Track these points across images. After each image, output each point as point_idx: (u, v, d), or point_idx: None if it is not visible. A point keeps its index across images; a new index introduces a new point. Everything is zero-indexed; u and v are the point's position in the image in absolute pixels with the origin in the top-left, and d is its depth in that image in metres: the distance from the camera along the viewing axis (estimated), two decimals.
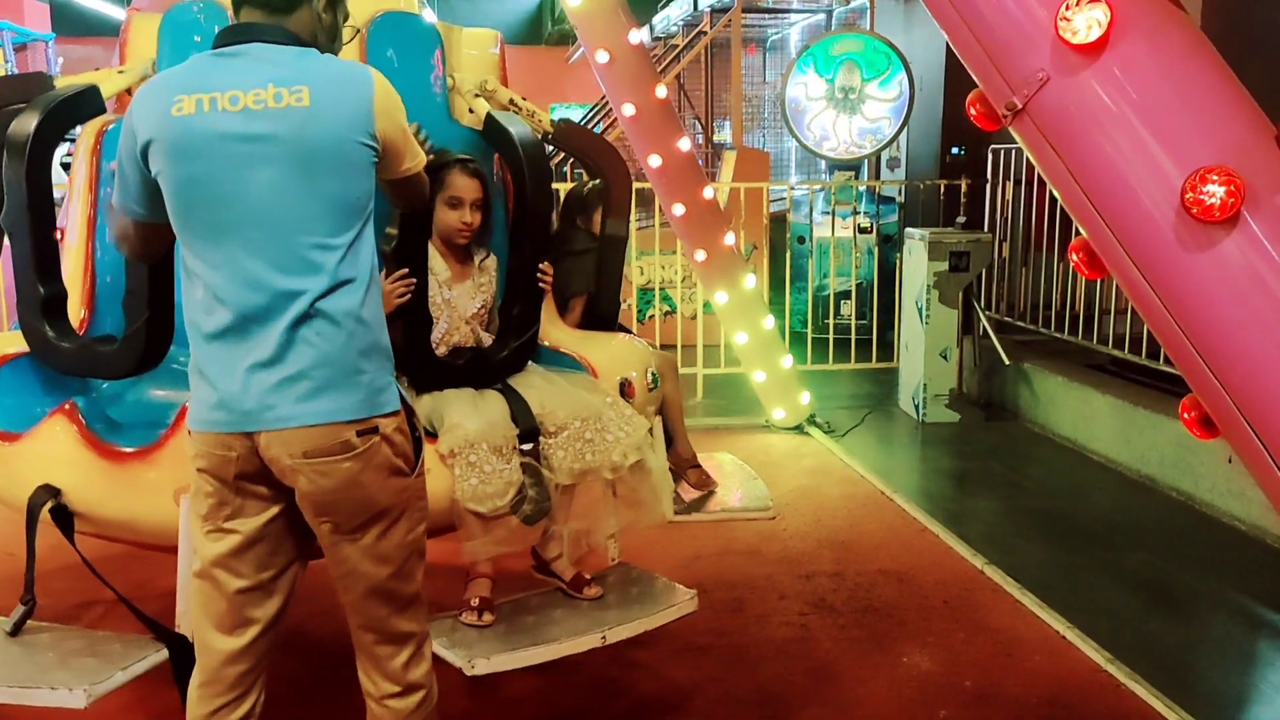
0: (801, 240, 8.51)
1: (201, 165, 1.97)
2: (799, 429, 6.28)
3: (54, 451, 2.68)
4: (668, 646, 3.44)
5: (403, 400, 2.12)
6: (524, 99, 3.46)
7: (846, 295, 8.43)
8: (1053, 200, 6.23)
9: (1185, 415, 2.17)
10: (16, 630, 2.67)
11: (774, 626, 3.68)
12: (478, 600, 2.88)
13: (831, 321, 7.86)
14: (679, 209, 5.71)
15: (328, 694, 3.00)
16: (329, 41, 2.15)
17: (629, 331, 3.68)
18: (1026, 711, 3.15)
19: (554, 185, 3.58)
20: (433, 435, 2.81)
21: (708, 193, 5.83)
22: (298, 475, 2.01)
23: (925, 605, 3.86)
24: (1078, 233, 2.21)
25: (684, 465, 4.12)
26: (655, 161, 5.56)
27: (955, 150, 8.95)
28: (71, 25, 14.59)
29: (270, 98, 1.96)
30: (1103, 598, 3.97)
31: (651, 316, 7.95)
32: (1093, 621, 3.65)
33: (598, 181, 3.63)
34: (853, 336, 8.06)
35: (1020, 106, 2.07)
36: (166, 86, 2.02)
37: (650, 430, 3.05)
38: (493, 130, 3.14)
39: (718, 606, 3.78)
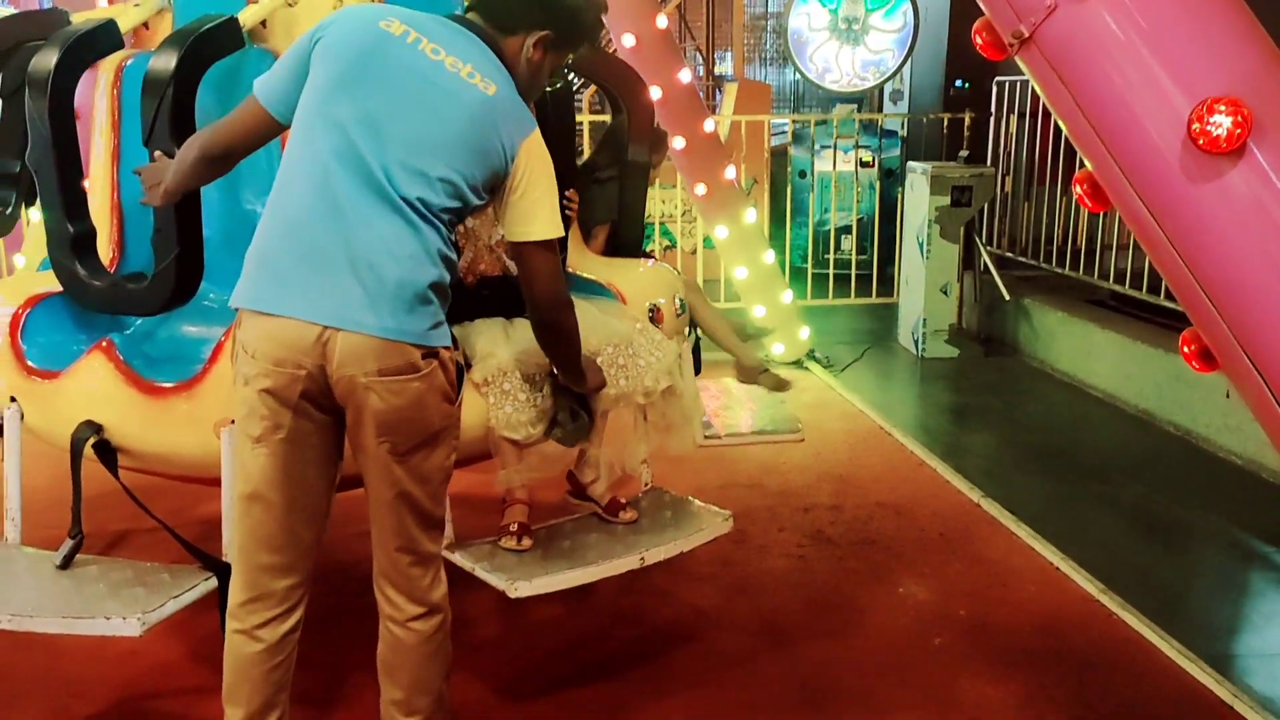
0: (803, 174, 8.45)
1: (377, 68, 2.08)
2: (798, 364, 6.29)
3: (94, 388, 2.70)
4: (676, 575, 3.49)
5: (451, 336, 2.21)
6: None
7: (847, 230, 8.39)
8: (1056, 134, 6.18)
9: (1185, 348, 2.17)
10: (66, 564, 2.71)
11: (774, 558, 3.73)
12: (516, 526, 2.92)
13: (832, 256, 7.83)
14: (679, 142, 5.66)
15: (352, 614, 3.05)
16: (528, 77, 2.25)
17: (653, 258, 3.68)
18: (1019, 639, 3.21)
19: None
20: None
21: (708, 125, 5.78)
22: (369, 394, 2.07)
23: (922, 537, 3.91)
24: (1081, 167, 2.19)
25: (754, 374, 4.09)
26: (655, 94, 5.48)
27: (959, 83, 8.85)
28: None
29: (465, 72, 2.12)
30: (1098, 530, 4.02)
31: (651, 251, 7.91)
32: (1087, 553, 3.70)
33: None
34: (853, 271, 8.04)
35: (1027, 35, 2.04)
36: (386, 10, 2.18)
37: (680, 355, 3.07)
38: None
39: (721, 538, 3.82)
